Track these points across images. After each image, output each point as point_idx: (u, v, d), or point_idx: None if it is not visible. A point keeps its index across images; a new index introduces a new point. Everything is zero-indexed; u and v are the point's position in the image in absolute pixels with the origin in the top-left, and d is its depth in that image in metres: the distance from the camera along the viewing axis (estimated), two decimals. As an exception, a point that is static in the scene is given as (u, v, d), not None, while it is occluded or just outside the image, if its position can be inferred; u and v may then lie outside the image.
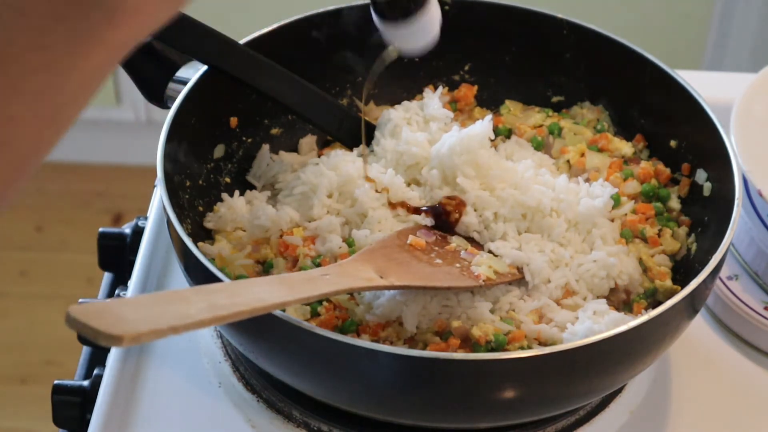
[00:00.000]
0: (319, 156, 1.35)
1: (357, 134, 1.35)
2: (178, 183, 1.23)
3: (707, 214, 1.25)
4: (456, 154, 1.25)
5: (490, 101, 1.44)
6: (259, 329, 1.04)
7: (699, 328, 1.33)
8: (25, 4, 0.73)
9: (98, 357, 1.31)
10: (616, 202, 1.27)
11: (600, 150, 1.35)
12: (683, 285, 1.10)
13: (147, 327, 0.83)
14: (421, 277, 1.14)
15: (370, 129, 1.36)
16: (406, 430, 1.14)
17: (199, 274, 1.09)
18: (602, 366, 1.08)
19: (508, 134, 1.38)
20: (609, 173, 1.32)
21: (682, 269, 1.25)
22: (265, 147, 1.36)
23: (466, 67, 1.44)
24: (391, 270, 1.12)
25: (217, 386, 1.23)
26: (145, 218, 1.42)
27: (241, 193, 1.29)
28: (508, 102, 1.43)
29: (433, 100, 1.37)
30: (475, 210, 1.24)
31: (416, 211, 1.25)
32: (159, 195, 1.16)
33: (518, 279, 1.19)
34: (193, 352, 1.26)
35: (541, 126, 1.39)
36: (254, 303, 0.94)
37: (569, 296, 1.19)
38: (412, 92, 1.43)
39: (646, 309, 1.19)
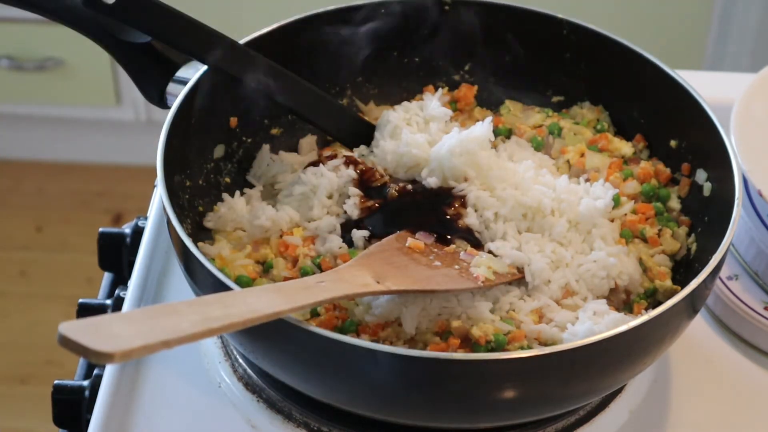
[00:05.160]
0: (319, 156, 1.35)
1: (357, 134, 1.35)
2: (178, 183, 1.23)
3: (707, 214, 1.25)
4: (455, 156, 1.25)
5: (490, 101, 1.44)
6: (259, 330, 1.04)
7: (699, 328, 1.33)
8: None
9: (98, 357, 1.31)
10: (616, 202, 1.27)
11: (600, 150, 1.35)
12: (683, 285, 1.10)
13: (138, 343, 0.82)
14: (418, 281, 1.13)
15: (370, 129, 1.36)
16: (406, 430, 1.14)
17: (198, 274, 1.09)
18: (602, 366, 1.08)
19: (508, 134, 1.38)
20: (609, 173, 1.32)
21: (682, 269, 1.25)
22: (265, 147, 1.36)
23: (466, 67, 1.44)
24: (389, 274, 1.12)
25: (217, 386, 1.23)
26: (145, 218, 1.42)
27: (242, 193, 1.29)
28: (508, 102, 1.43)
29: (433, 101, 1.37)
30: (475, 210, 1.23)
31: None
32: (159, 195, 1.16)
33: (518, 279, 1.19)
34: (193, 351, 1.26)
35: (541, 126, 1.39)
36: (247, 314, 0.93)
37: (569, 296, 1.19)
38: (412, 92, 1.43)
39: (646, 309, 1.19)
